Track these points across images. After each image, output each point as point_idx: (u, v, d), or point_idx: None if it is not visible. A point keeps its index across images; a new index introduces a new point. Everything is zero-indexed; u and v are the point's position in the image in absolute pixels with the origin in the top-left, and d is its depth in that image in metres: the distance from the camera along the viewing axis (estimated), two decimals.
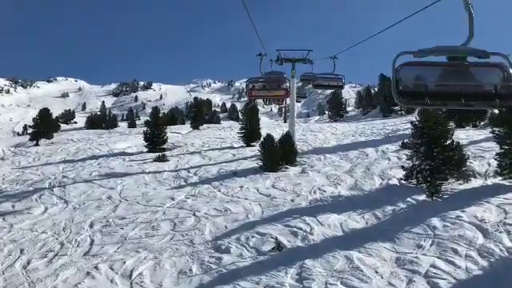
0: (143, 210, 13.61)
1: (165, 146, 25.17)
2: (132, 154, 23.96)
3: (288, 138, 19.45)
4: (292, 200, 13.61)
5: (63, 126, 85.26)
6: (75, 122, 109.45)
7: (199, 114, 38.14)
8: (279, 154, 18.35)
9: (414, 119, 15.36)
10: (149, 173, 18.61)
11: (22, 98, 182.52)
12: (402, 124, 32.58)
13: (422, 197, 12.98)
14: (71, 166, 21.47)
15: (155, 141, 24.60)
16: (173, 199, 14.44)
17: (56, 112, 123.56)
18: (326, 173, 17.16)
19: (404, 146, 20.18)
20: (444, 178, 14.26)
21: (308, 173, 17.23)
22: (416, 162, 14.67)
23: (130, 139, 30.08)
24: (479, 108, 5.24)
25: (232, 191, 15.00)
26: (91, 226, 12.45)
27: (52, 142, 30.64)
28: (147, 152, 24.28)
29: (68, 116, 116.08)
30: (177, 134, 35.11)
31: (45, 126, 30.74)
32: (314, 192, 14.43)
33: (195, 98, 42.69)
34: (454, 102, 4.75)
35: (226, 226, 11.62)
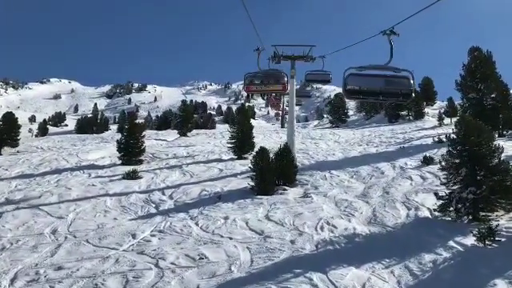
0: (91, 254, 10.02)
1: (142, 158, 21.61)
2: (103, 167, 20.37)
3: (286, 151, 15.94)
4: (292, 241, 10.08)
5: (52, 129, 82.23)
6: (66, 125, 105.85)
7: (187, 119, 34.40)
8: (275, 172, 14.86)
9: (451, 131, 11.97)
10: (113, 195, 15.01)
11: (13, 100, 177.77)
12: (414, 131, 29.25)
13: (470, 239, 9.50)
14: (26, 182, 17.87)
15: (131, 151, 21.00)
16: (134, 237, 10.87)
17: (47, 114, 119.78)
18: (335, 197, 13.68)
19: (426, 162, 16.81)
20: (492, 210, 10.89)
21: (312, 197, 13.74)
22: (454, 188, 11.25)
23: (108, 147, 26.50)
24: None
25: (213, 225, 11.45)
26: (13, 281, 8.85)
27: (18, 151, 27.00)
28: (121, 164, 20.72)
29: (58, 118, 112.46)
30: (162, 141, 31.64)
31: (9, 132, 27.04)
32: (322, 228, 10.91)
33: (183, 101, 39.05)
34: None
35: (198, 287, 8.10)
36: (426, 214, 11.65)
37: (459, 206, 10.89)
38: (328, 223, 11.18)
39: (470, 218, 10.84)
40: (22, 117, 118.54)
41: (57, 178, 18.11)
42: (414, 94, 8.80)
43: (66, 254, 10.14)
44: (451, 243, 9.44)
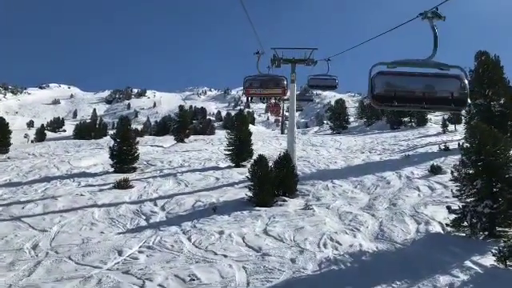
0: (72, 273, 9.12)
1: (136, 165, 20.71)
2: (94, 175, 19.48)
3: (286, 159, 15.06)
4: (292, 260, 9.18)
5: (50, 134, 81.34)
6: (64, 131, 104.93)
7: (184, 124, 33.52)
8: (275, 182, 13.99)
9: (457, 138, 11.13)
10: (102, 206, 14.11)
11: (12, 105, 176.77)
12: (417, 139, 28.39)
13: (489, 259, 8.62)
14: (13, 191, 16.96)
15: (124, 158, 20.12)
16: (120, 253, 9.95)
17: (46, 119, 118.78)
18: (338, 209, 12.80)
19: (434, 171, 15.96)
20: (511, 225, 10.04)
21: (313, 209, 12.85)
22: (468, 200, 10.38)
23: (101, 154, 25.57)
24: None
25: (207, 240, 10.55)
26: None
27: (8, 158, 26.08)
28: (113, 172, 19.82)
29: (56, 124, 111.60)
30: (158, 147, 30.78)
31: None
32: (325, 244, 10.02)
33: (180, 107, 38.26)
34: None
35: None
36: (438, 228, 10.77)
37: (474, 220, 10.03)
38: (331, 239, 10.30)
39: (486, 233, 9.98)
40: (20, 122, 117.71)
41: (45, 187, 17.21)
42: (469, 100, 6.48)
43: (44, 272, 9.26)
44: (468, 263, 8.56)
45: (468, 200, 10.38)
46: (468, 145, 10.58)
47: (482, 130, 10.44)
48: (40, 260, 9.89)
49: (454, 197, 10.82)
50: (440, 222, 11.03)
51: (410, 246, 9.88)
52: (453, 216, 10.42)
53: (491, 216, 9.88)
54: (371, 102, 6.56)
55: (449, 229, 10.46)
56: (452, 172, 10.95)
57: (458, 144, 11.50)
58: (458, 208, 10.39)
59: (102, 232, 11.74)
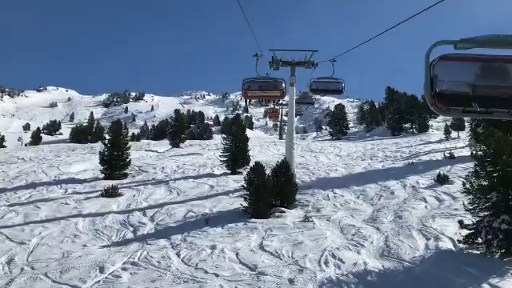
0: None
1: (127, 171, 19.80)
2: (83, 182, 18.56)
3: (285, 167, 14.21)
4: (291, 280, 8.30)
5: (46, 138, 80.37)
6: (60, 134, 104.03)
7: (180, 128, 32.67)
8: (272, 191, 13.12)
9: (462, 144, 10.31)
10: (87, 215, 13.19)
11: (8, 108, 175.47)
12: (420, 145, 27.58)
13: (508, 282, 7.80)
14: None
15: (114, 164, 19.21)
16: (102, 270, 9.05)
17: (43, 122, 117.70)
18: (340, 222, 11.94)
19: (440, 181, 15.13)
20: None
21: (313, 221, 11.98)
22: (482, 214, 9.54)
23: (93, 159, 24.63)
24: None
25: (197, 256, 9.67)
26: None
27: None
28: (103, 178, 18.91)
29: (53, 127, 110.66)
30: (153, 152, 29.88)
31: None
32: (326, 262, 9.14)
33: (176, 111, 37.38)
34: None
35: None
36: (449, 245, 9.89)
37: (489, 237, 9.17)
38: (333, 256, 9.43)
39: (503, 251, 9.13)
40: (16, 125, 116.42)
41: (30, 194, 16.27)
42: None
43: None
44: (485, 286, 7.70)
45: (482, 214, 9.55)
46: (481, 153, 9.76)
47: (497, 138, 9.62)
48: (13, 277, 8.99)
49: (466, 210, 9.97)
50: (451, 238, 10.16)
51: (419, 264, 9.01)
52: (465, 231, 9.59)
53: (509, 232, 9.02)
54: (431, 106, 3.58)
55: (461, 245, 9.61)
56: (464, 183, 10.12)
57: (472, 153, 10.67)
58: (470, 223, 9.56)
59: (84, 245, 10.84)
